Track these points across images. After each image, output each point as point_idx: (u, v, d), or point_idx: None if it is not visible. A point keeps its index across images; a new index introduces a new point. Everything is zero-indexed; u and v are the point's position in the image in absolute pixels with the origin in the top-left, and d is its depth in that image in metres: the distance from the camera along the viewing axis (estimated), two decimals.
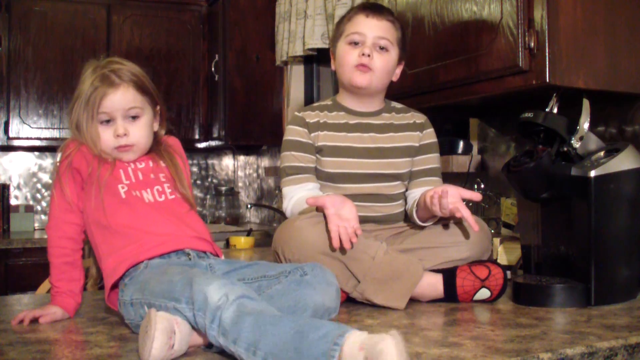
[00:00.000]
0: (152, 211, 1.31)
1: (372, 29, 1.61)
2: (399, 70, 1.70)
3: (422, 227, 1.58)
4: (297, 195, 1.61)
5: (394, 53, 1.64)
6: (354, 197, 1.56)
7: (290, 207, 1.62)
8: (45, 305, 1.33)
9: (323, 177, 1.65)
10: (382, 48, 1.62)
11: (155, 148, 1.43)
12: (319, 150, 1.64)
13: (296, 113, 1.70)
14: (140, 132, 1.37)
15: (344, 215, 1.40)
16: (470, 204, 2.16)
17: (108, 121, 1.34)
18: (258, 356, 0.93)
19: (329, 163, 1.64)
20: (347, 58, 1.63)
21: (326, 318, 1.18)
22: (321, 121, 1.67)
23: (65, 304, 1.33)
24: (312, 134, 1.65)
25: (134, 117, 1.36)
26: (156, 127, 1.43)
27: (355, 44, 1.62)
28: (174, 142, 1.48)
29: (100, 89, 1.32)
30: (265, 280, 1.21)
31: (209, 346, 1.07)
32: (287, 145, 1.66)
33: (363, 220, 1.61)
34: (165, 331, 0.99)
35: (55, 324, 1.29)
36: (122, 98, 1.34)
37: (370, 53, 1.60)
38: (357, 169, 1.63)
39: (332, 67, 1.71)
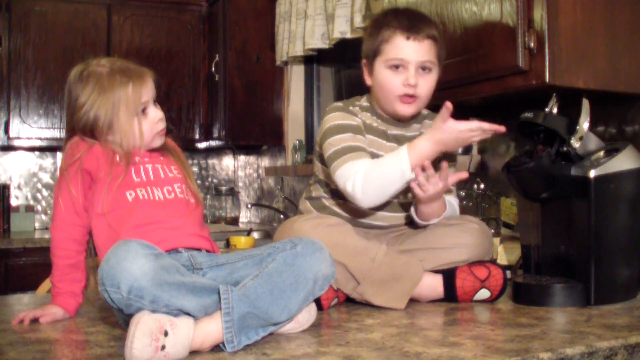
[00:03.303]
0: (157, 212, 1.30)
1: (415, 54, 1.51)
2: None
3: (422, 228, 1.58)
4: (364, 165, 1.46)
5: (435, 71, 1.56)
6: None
7: (362, 176, 1.44)
8: (45, 305, 1.33)
9: None
10: (425, 69, 1.53)
11: (162, 145, 1.43)
12: None
13: (346, 107, 1.60)
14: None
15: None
16: (471, 204, 2.17)
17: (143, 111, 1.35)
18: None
19: None
20: (389, 86, 1.53)
21: (326, 285, 1.19)
22: (367, 122, 1.60)
23: (66, 304, 1.33)
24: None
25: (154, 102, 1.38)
26: None
27: (397, 67, 1.52)
28: (174, 143, 1.48)
29: (135, 82, 1.32)
30: (250, 258, 1.23)
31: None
32: (344, 128, 1.54)
33: (369, 227, 1.61)
34: (147, 332, 0.99)
35: (56, 324, 1.29)
36: (152, 85, 1.36)
37: (416, 81, 1.51)
38: None
39: (367, 82, 1.61)
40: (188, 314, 1.07)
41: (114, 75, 1.32)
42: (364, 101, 1.64)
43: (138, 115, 1.33)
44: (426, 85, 1.54)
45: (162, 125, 1.37)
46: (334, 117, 1.57)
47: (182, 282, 1.08)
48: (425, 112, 1.69)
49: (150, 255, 1.05)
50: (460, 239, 1.51)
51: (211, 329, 1.07)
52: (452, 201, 1.61)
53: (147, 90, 1.35)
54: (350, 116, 1.57)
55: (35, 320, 1.29)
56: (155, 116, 1.36)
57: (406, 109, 1.55)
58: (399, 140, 1.60)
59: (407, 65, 1.52)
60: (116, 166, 1.31)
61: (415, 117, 1.65)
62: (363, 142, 1.54)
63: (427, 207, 1.52)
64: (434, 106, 1.93)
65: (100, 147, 1.32)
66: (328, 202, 1.63)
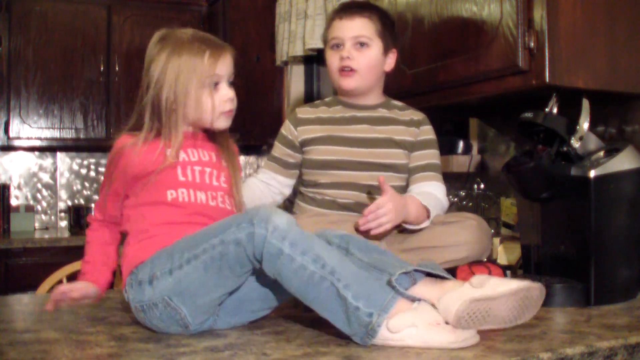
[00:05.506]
0: (193, 215, 1.25)
1: (347, 31, 1.66)
2: (391, 60, 1.72)
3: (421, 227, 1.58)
4: (252, 179, 1.83)
5: (376, 46, 1.67)
6: (350, 187, 1.63)
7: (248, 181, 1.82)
8: (73, 282, 1.29)
9: (317, 165, 1.68)
10: (362, 44, 1.65)
11: (221, 139, 1.39)
12: (311, 141, 1.69)
13: (296, 109, 1.78)
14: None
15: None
16: (471, 204, 2.17)
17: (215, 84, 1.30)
18: (326, 269, 1.07)
19: (322, 151, 1.67)
20: (330, 64, 1.70)
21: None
22: (315, 116, 1.73)
23: (96, 278, 1.29)
24: (300, 128, 1.72)
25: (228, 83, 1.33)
26: None
27: (337, 46, 1.68)
28: (236, 147, 1.45)
29: (213, 52, 1.28)
30: None
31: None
32: (278, 137, 1.82)
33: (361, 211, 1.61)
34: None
35: (55, 323, 1.28)
36: (230, 62, 1.32)
37: (349, 54, 1.65)
38: (349, 156, 1.65)
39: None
40: (332, 273, 1.07)
41: (193, 42, 1.29)
42: (329, 98, 1.79)
43: (210, 87, 1.29)
44: (363, 59, 1.66)
45: (230, 105, 1.33)
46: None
47: (327, 246, 1.13)
48: (399, 103, 1.77)
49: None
50: (460, 236, 1.52)
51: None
52: (436, 194, 1.63)
53: (224, 65, 1.30)
54: (286, 126, 1.78)
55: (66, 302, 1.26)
56: (226, 94, 1.31)
57: (346, 82, 1.68)
58: (359, 121, 1.71)
59: (343, 42, 1.67)
60: (163, 162, 1.25)
61: (384, 103, 1.74)
62: (277, 149, 1.81)
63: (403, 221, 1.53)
64: (434, 106, 1.94)
65: (149, 143, 1.26)
66: (309, 193, 1.71)
